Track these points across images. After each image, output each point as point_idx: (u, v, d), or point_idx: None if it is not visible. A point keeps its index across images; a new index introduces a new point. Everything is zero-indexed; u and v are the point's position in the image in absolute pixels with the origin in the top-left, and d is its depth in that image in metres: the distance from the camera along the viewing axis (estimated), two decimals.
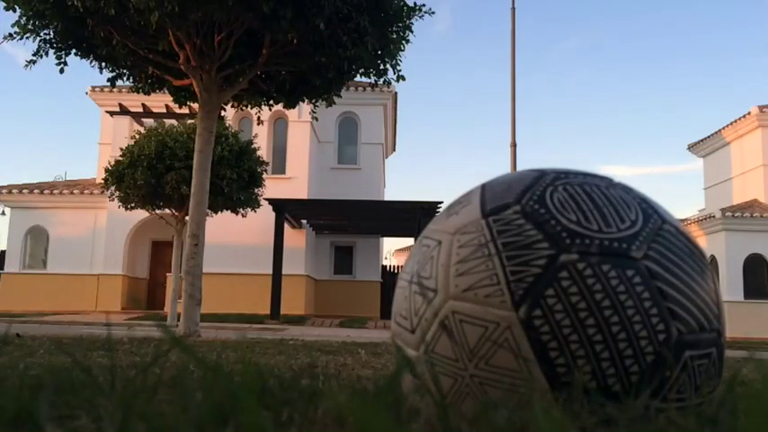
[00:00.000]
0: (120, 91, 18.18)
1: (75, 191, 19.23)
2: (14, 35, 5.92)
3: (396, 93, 20.87)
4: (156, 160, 11.86)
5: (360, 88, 19.20)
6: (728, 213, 19.92)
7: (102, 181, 13.10)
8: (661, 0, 58.58)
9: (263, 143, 16.32)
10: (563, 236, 0.79)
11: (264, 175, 13.38)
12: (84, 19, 5.77)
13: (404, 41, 6.49)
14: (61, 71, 6.29)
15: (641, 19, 59.42)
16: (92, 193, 18.99)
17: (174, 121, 13.95)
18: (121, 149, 12.53)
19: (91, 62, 6.55)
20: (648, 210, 0.86)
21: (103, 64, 6.61)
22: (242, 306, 16.55)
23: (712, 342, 0.81)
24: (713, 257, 20.45)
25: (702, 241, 21.02)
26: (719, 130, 23.80)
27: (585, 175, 0.90)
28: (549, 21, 61.90)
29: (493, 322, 0.77)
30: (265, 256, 16.39)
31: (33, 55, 6.11)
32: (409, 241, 26.37)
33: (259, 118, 7.95)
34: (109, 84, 6.93)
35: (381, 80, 6.76)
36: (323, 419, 0.73)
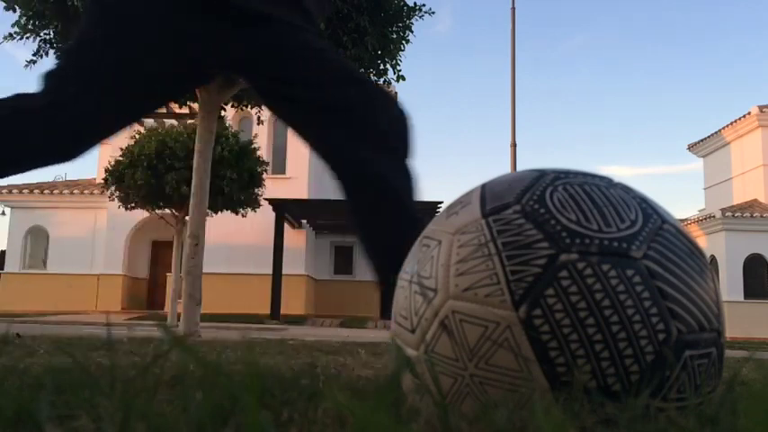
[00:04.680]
0: None
1: (75, 191, 19.24)
2: (14, 35, 5.92)
3: (396, 93, 20.89)
4: (156, 160, 11.87)
5: None
6: (728, 213, 19.93)
7: (102, 181, 13.11)
8: (661, 0, 58.59)
9: (263, 143, 16.33)
10: (563, 235, 0.79)
11: (264, 175, 13.38)
12: None
13: (404, 41, 6.49)
14: None
15: (641, 19, 59.42)
16: (92, 193, 19.00)
17: (173, 121, 13.96)
18: (121, 149, 12.53)
19: None
20: (648, 210, 0.86)
21: None
22: (242, 306, 16.56)
23: (712, 342, 0.81)
24: (713, 257, 20.46)
25: (702, 241, 21.03)
26: (719, 130, 23.81)
27: (585, 175, 0.90)
28: (549, 21, 61.86)
29: (493, 322, 0.77)
30: (265, 256, 16.40)
31: (33, 55, 6.12)
32: None
33: (259, 118, 7.94)
34: None
35: (381, 80, 6.76)
36: (323, 419, 0.73)
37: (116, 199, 12.70)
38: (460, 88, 72.63)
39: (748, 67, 51.06)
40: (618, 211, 0.83)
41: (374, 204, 1.35)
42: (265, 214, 15.53)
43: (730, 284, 19.55)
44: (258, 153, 13.24)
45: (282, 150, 18.36)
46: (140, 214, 15.79)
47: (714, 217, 20.06)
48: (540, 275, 0.77)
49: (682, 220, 24.27)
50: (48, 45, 6.11)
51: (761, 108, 21.47)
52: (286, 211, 16.27)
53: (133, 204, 12.63)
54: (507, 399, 0.75)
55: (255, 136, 14.28)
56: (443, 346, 0.80)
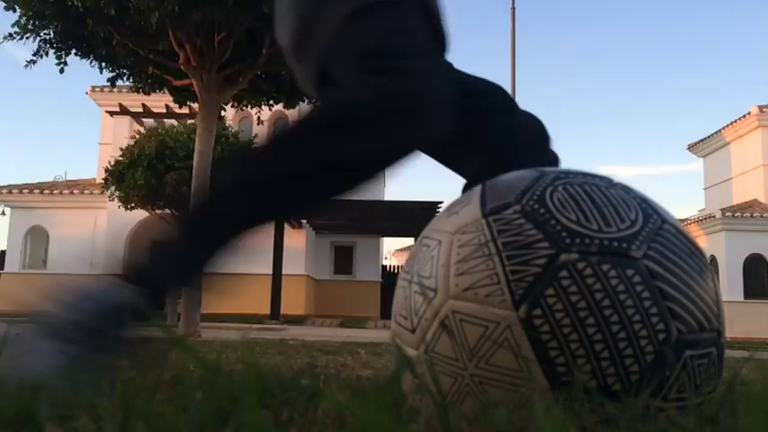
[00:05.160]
0: (120, 91, 18.18)
1: (75, 191, 19.23)
2: (14, 35, 5.92)
3: None
4: (156, 160, 11.86)
5: None
6: (728, 213, 19.92)
7: (102, 181, 13.11)
8: (661, 1, 58.58)
9: None
10: (563, 235, 0.79)
11: None
12: (85, 19, 5.77)
13: None
14: (61, 71, 6.29)
15: (641, 19, 59.42)
16: (92, 193, 18.99)
17: (174, 121, 13.95)
18: (121, 149, 12.53)
19: (91, 62, 6.55)
20: (648, 210, 0.86)
21: (103, 64, 6.61)
22: (242, 306, 16.55)
23: (712, 342, 0.81)
24: (713, 257, 20.45)
25: (702, 241, 21.02)
26: (719, 130, 23.80)
27: (585, 175, 0.90)
28: (549, 22, 61.90)
29: (493, 321, 0.77)
30: (265, 256, 16.39)
31: (33, 55, 6.12)
32: (409, 241, 26.38)
33: (259, 118, 7.95)
34: (109, 84, 6.93)
35: None
36: (323, 419, 0.73)
37: (116, 199, 12.69)
38: None
39: (748, 67, 51.06)
40: (618, 211, 0.83)
41: None
42: None
43: (730, 284, 19.54)
44: None
45: None
46: (140, 214, 15.78)
47: (714, 217, 20.06)
48: (541, 275, 0.77)
49: (682, 220, 24.19)
50: (48, 45, 6.10)
51: (761, 108, 21.46)
52: None
53: (133, 204, 12.62)
54: (507, 399, 0.75)
55: (255, 136, 14.26)
56: (443, 346, 0.80)
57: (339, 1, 1.25)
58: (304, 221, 17.95)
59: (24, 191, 19.23)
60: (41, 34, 6.00)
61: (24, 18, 5.82)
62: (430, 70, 1.20)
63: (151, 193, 12.08)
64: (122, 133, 18.15)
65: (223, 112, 7.45)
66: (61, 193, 19.22)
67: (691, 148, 25.81)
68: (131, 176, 11.96)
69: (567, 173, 0.90)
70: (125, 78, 6.95)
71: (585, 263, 0.77)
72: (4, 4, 5.73)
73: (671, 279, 0.79)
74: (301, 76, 1.40)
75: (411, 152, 1.19)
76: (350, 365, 2.07)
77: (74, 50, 6.28)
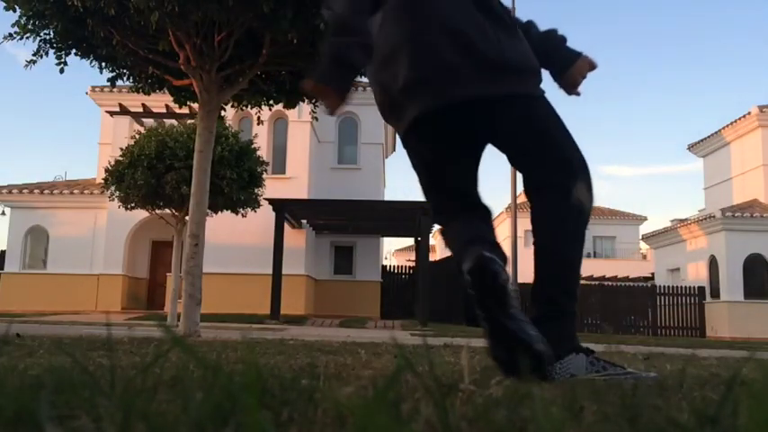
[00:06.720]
0: (120, 91, 18.18)
1: (75, 191, 19.25)
2: (14, 35, 5.92)
3: None
4: (156, 160, 11.86)
5: (360, 88, 19.17)
6: (728, 213, 19.94)
7: (102, 181, 13.11)
8: (662, 0, 58.62)
9: (263, 143, 16.32)
10: None
11: (264, 175, 13.37)
12: (84, 19, 5.77)
13: None
14: (61, 71, 6.29)
15: (642, 19, 59.44)
16: (92, 193, 19.00)
17: (174, 121, 13.94)
18: (121, 149, 12.53)
19: (91, 62, 6.55)
20: None
21: (103, 64, 6.61)
22: (242, 306, 16.54)
23: None
24: (713, 257, 20.45)
25: (702, 241, 21.03)
26: (719, 130, 23.83)
27: None
28: (548, 21, 61.84)
29: None
30: (265, 256, 16.38)
31: (33, 55, 6.11)
32: (409, 241, 26.37)
33: (259, 118, 7.95)
34: (109, 84, 6.93)
35: None
36: (323, 419, 0.73)
37: (116, 199, 12.69)
38: None
39: (748, 67, 51.10)
40: None
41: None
42: (265, 214, 15.51)
43: (730, 284, 19.55)
44: (258, 153, 13.22)
45: (282, 150, 18.35)
46: (140, 214, 15.77)
47: (714, 217, 20.06)
48: None
49: (682, 221, 24.21)
50: (48, 45, 6.10)
51: (761, 108, 21.47)
52: (286, 211, 16.27)
53: (133, 204, 12.62)
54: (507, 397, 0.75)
55: (255, 136, 14.26)
56: None
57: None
58: (304, 221, 17.95)
59: (24, 191, 19.24)
60: (41, 34, 5.99)
61: (24, 18, 5.81)
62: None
63: (151, 193, 12.08)
64: (122, 133, 18.14)
65: (223, 112, 7.44)
66: (61, 193, 19.22)
67: (691, 148, 25.81)
68: (131, 176, 11.96)
69: None
70: (125, 78, 6.95)
71: None
72: (4, 4, 5.72)
73: None
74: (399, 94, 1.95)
75: None
76: (350, 365, 2.07)
77: (74, 50, 6.27)
